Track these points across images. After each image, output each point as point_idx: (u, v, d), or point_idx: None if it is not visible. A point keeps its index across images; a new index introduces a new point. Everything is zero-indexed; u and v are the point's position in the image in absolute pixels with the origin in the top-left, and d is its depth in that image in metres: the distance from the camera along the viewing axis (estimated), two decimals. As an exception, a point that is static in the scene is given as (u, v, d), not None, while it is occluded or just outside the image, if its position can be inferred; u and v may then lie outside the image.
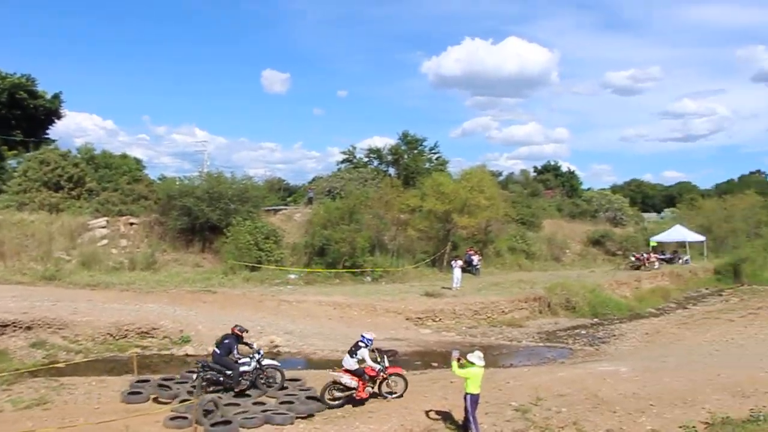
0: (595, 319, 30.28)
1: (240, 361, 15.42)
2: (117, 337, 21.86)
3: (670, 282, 41.31)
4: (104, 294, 26.80)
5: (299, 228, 39.52)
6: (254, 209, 36.87)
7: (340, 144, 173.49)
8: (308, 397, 14.61)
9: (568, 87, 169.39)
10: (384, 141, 62.69)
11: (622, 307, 32.82)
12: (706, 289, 42.32)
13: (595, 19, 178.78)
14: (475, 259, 39.20)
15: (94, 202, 37.42)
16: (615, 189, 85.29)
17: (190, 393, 14.60)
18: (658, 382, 16.04)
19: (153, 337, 22.31)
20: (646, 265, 42.89)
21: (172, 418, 13.08)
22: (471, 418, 12.68)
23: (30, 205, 35.76)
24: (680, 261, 46.61)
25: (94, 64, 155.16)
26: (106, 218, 35.67)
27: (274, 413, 13.46)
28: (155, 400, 14.77)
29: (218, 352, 15.51)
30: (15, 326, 20.63)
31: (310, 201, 45.75)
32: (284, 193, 63.93)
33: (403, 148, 55.87)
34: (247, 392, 15.18)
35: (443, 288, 32.12)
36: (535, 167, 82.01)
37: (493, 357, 21.48)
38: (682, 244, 49.33)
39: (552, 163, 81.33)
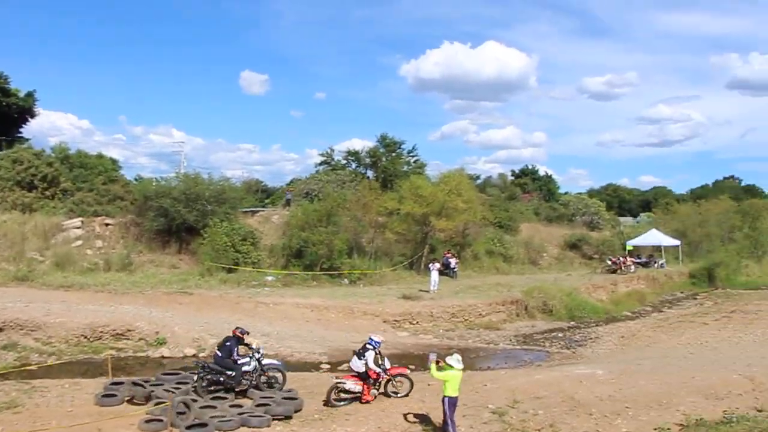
0: (572, 322, 30.47)
1: (240, 362, 15.41)
2: (91, 339, 21.63)
3: (645, 286, 41.70)
4: (78, 295, 26.48)
5: (277, 230, 39.33)
6: (231, 211, 36.62)
7: (318, 146, 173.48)
8: (285, 398, 14.51)
9: (545, 91, 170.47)
10: (362, 143, 62.98)
11: (598, 311, 33.08)
12: (681, 292, 42.88)
13: (573, 25, 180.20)
14: (453, 262, 39.29)
15: (69, 202, 36.90)
16: (592, 193, 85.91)
17: (167, 392, 14.46)
18: (633, 385, 16.13)
19: (128, 338, 22.09)
20: (623, 268, 43.22)
21: (147, 421, 12.92)
22: (449, 421, 12.66)
23: (2, 205, 35.10)
24: (656, 265, 47.03)
25: (69, 63, 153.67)
26: (80, 219, 35.21)
27: (250, 415, 13.34)
28: (130, 401, 14.59)
29: (220, 354, 15.50)
30: (-14, 328, 20.33)
31: (287, 203, 45.59)
32: (262, 194, 63.67)
33: (381, 150, 55.89)
34: (223, 395, 15.07)
35: (421, 291, 32.14)
36: (513, 171, 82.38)
37: (471, 360, 21.51)
38: (657, 248, 49.88)
39: (529, 167, 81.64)
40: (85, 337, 21.57)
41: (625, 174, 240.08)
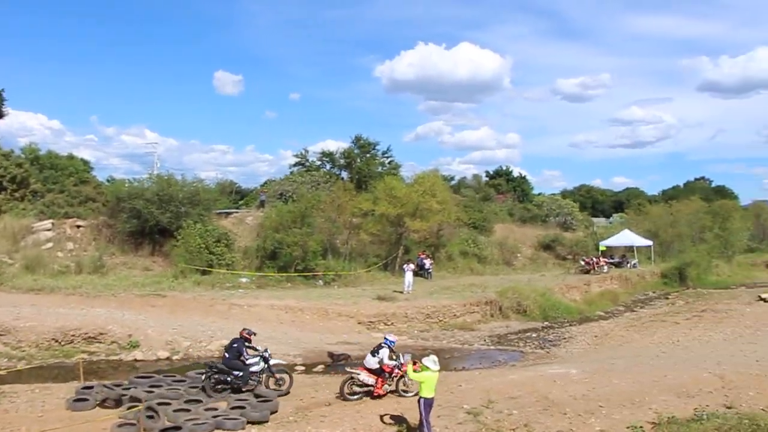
0: (546, 323, 30.68)
1: (248, 362, 15.69)
2: (62, 343, 21.34)
3: (618, 285, 42.12)
4: (49, 298, 26.16)
5: (251, 231, 39.17)
6: (205, 212, 36.40)
7: (292, 147, 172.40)
8: (260, 401, 14.44)
9: (519, 93, 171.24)
10: (337, 144, 62.89)
11: (572, 311, 33.34)
12: (653, 292, 43.41)
13: (547, 27, 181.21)
14: (427, 262, 39.39)
15: (39, 204, 36.41)
16: (565, 194, 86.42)
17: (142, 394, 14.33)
18: (607, 384, 16.26)
19: (100, 342, 21.84)
20: (596, 269, 43.56)
21: (120, 425, 12.77)
22: (425, 422, 12.67)
23: (-29, 207, 34.67)
24: (628, 265, 47.47)
25: (39, 62, 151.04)
26: (51, 221, 34.76)
27: (225, 418, 13.24)
28: (102, 405, 14.42)
29: (227, 356, 15.72)
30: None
31: (262, 204, 45.35)
32: (236, 196, 63.23)
33: (355, 151, 55.84)
34: (199, 398, 14.97)
35: (395, 292, 32.15)
36: (487, 172, 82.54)
37: (445, 360, 21.53)
38: (630, 249, 50.35)
39: (504, 168, 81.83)
40: (56, 341, 21.28)
41: (598, 175, 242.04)
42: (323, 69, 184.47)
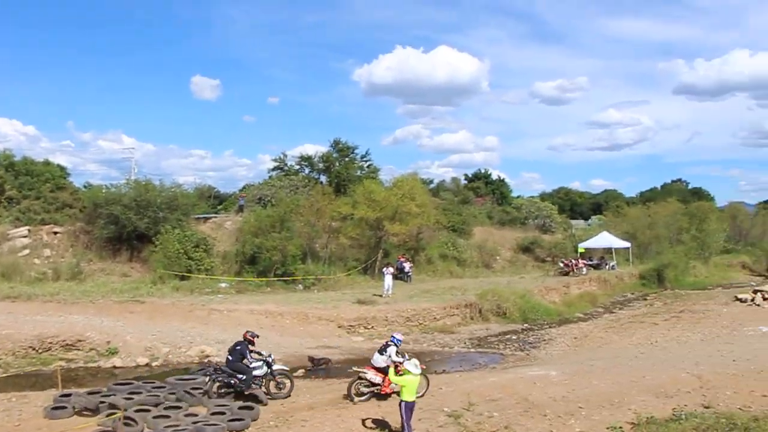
0: (526, 325, 30.79)
1: (252, 365, 15.77)
2: (40, 351, 21.13)
3: (597, 287, 42.36)
4: (26, 306, 25.87)
5: (230, 236, 39.01)
6: (184, 217, 36.21)
7: (271, 151, 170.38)
8: (241, 408, 14.38)
9: (498, 96, 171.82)
10: (315, 148, 62.27)
11: (551, 313, 33.47)
12: (632, 293, 43.73)
13: (524, 30, 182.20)
14: (407, 266, 39.45)
15: (15, 210, 36.01)
16: (544, 197, 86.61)
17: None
18: (586, 385, 16.38)
19: (79, 349, 21.65)
20: (575, 271, 43.73)
21: (99, 433, 12.68)
22: (406, 426, 12.69)
23: (-57, 214, 34.23)
24: (607, 267, 47.76)
25: (13, 67, 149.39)
26: (27, 227, 34.43)
27: (205, 424, 13.17)
28: (80, 413, 14.29)
29: (231, 358, 15.83)
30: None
31: (240, 209, 45.16)
32: (214, 200, 62.80)
33: (334, 155, 55.68)
34: (179, 404, 14.87)
35: (375, 295, 32.10)
36: (466, 175, 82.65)
37: (426, 363, 21.44)
38: (608, 251, 50.60)
39: (482, 170, 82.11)
40: (34, 349, 21.07)
41: (577, 177, 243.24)
42: (301, 73, 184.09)
